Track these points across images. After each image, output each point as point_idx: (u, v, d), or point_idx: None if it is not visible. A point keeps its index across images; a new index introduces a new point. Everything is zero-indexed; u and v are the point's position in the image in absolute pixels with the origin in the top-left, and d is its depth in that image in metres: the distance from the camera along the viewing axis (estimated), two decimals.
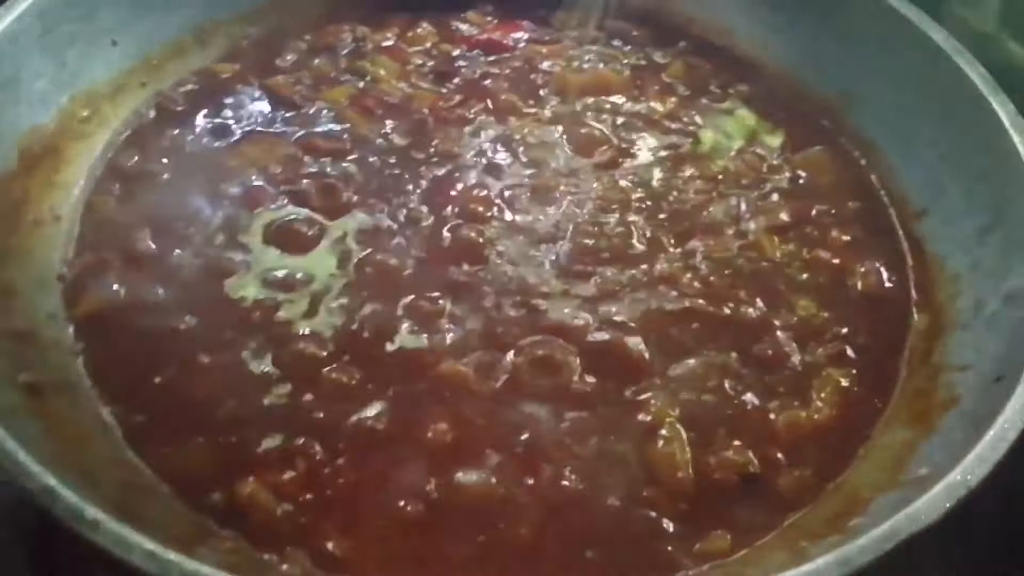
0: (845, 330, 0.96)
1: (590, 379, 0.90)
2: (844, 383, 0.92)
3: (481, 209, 1.03)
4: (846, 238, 1.04)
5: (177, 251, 0.98)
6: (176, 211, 1.02)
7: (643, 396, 0.88)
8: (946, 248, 1.00)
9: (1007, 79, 1.01)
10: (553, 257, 0.99)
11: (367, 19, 1.26)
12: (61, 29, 1.04)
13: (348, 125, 1.12)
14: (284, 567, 0.77)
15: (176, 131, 1.11)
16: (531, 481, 0.83)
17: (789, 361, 0.93)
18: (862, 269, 1.01)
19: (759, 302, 0.97)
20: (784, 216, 1.06)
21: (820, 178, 1.11)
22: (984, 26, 1.30)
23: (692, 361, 0.91)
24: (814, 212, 1.07)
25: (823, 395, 0.90)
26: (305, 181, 1.05)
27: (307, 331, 0.92)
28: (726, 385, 0.90)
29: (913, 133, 1.08)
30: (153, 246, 0.98)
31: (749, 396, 0.90)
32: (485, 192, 1.05)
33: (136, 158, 1.07)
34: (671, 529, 0.81)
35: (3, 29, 0.98)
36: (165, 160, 1.07)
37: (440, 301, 0.94)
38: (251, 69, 1.19)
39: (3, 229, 0.94)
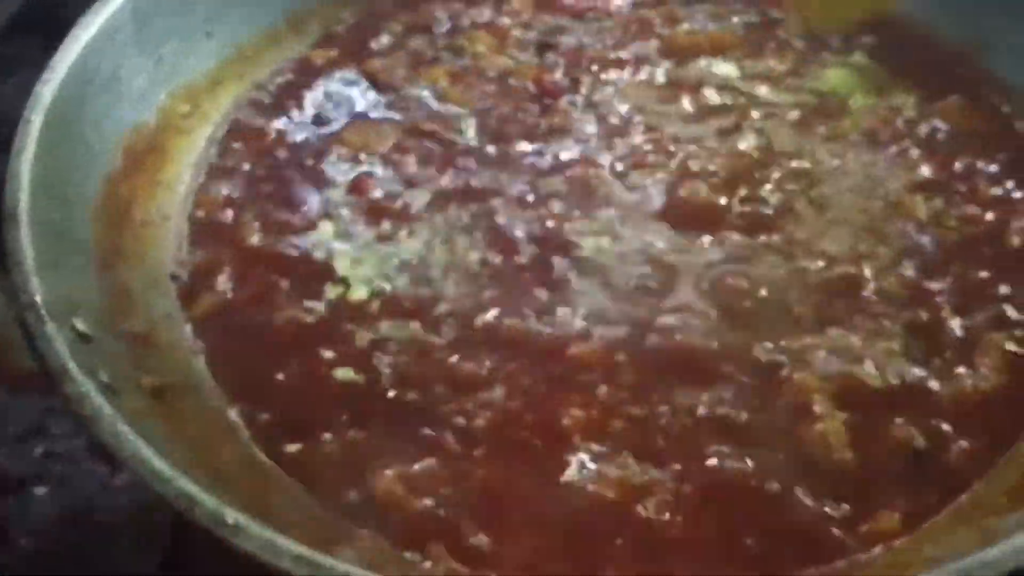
0: (1004, 290, 0.89)
1: (729, 357, 0.84)
2: (1009, 347, 0.84)
3: (598, 181, 0.98)
4: (996, 192, 0.96)
5: (287, 243, 0.95)
6: (284, 203, 0.99)
7: (790, 372, 0.82)
8: None
9: None
10: (677, 229, 0.94)
11: None
12: (155, 24, 1.02)
13: (451, 104, 1.08)
14: (427, 564, 0.73)
15: (277, 121, 1.07)
16: (679, 467, 0.77)
17: (947, 326, 0.86)
18: (1017, 224, 0.93)
19: (907, 265, 0.90)
20: (926, 172, 0.98)
21: (961, 130, 1.03)
22: None
23: (841, 332, 0.85)
24: (958, 166, 0.99)
25: (987, 361, 0.83)
26: (413, 164, 1.01)
27: (427, 319, 0.88)
28: (881, 355, 0.84)
29: None
30: (264, 240, 0.95)
31: (907, 366, 0.83)
32: (602, 165, 1.00)
33: (239, 152, 1.04)
34: (834, 512, 0.75)
35: (99, 27, 0.95)
36: (268, 152, 1.04)
37: (561, 278, 0.90)
38: (348, 54, 1.14)
39: (113, 230, 0.91)
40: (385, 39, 1.17)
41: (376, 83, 1.11)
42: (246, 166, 1.03)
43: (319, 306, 0.90)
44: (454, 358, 0.84)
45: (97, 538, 0.87)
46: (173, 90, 1.04)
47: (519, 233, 0.94)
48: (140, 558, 0.85)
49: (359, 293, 0.90)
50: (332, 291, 0.91)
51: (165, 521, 0.84)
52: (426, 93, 1.10)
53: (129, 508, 0.87)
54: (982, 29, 1.08)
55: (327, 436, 0.80)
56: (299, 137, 1.06)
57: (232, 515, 0.62)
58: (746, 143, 1.02)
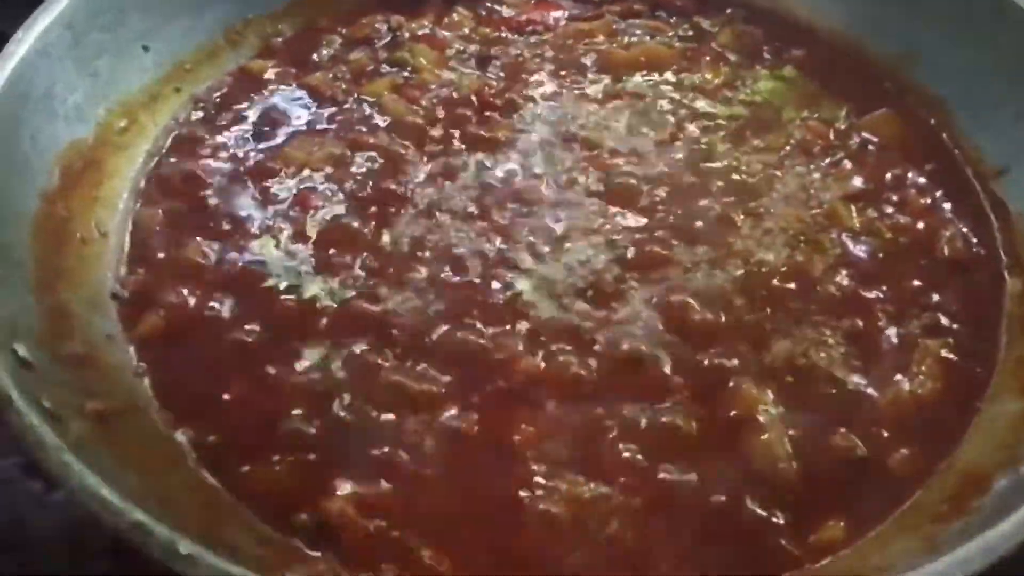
0: (936, 298, 0.92)
1: (675, 369, 0.85)
2: (944, 354, 0.87)
3: (537, 196, 0.99)
4: (925, 201, 1.00)
5: (229, 259, 0.94)
6: (225, 218, 0.98)
7: (735, 383, 0.84)
8: None
9: None
10: (619, 240, 0.95)
11: (401, 7, 1.22)
12: (91, 39, 1.01)
13: (393, 118, 1.08)
14: None
15: (216, 136, 1.06)
16: (626, 481, 0.79)
17: (883, 335, 0.88)
18: (947, 233, 0.97)
19: (843, 274, 0.93)
20: (858, 183, 1.01)
21: (890, 141, 1.06)
22: None
23: (783, 342, 0.87)
24: (889, 177, 1.02)
25: (924, 368, 0.86)
26: (355, 178, 1.01)
27: (374, 335, 0.87)
28: (821, 365, 0.86)
29: (983, 89, 1.04)
30: (206, 256, 0.94)
31: (846, 374, 0.85)
32: (541, 178, 1.01)
33: (178, 166, 1.03)
34: (781, 523, 0.77)
35: (33, 43, 0.94)
36: (208, 167, 1.03)
37: (507, 293, 0.90)
38: (288, 67, 1.14)
39: (51, 249, 0.89)
40: (325, 52, 1.17)
41: (317, 96, 1.11)
42: (185, 181, 1.02)
43: (265, 324, 0.89)
44: (404, 376, 0.84)
45: (33, 556, 0.85)
46: (110, 105, 1.02)
47: (464, 249, 0.94)
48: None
49: (305, 310, 0.90)
50: (277, 308, 0.90)
51: (103, 536, 0.82)
52: (368, 106, 1.10)
53: (64, 526, 0.86)
54: (910, 43, 1.12)
55: (276, 457, 0.80)
56: (240, 151, 1.05)
57: (186, 546, 0.61)
58: (683, 155, 1.03)
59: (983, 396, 0.85)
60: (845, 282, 0.92)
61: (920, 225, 0.97)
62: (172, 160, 1.04)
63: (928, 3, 1.09)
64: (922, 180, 1.02)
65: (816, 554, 0.75)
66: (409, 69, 1.14)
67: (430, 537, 0.75)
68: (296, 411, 0.82)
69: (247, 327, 0.88)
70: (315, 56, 1.16)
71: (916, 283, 0.93)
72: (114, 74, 1.03)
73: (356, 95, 1.10)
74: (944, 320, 0.90)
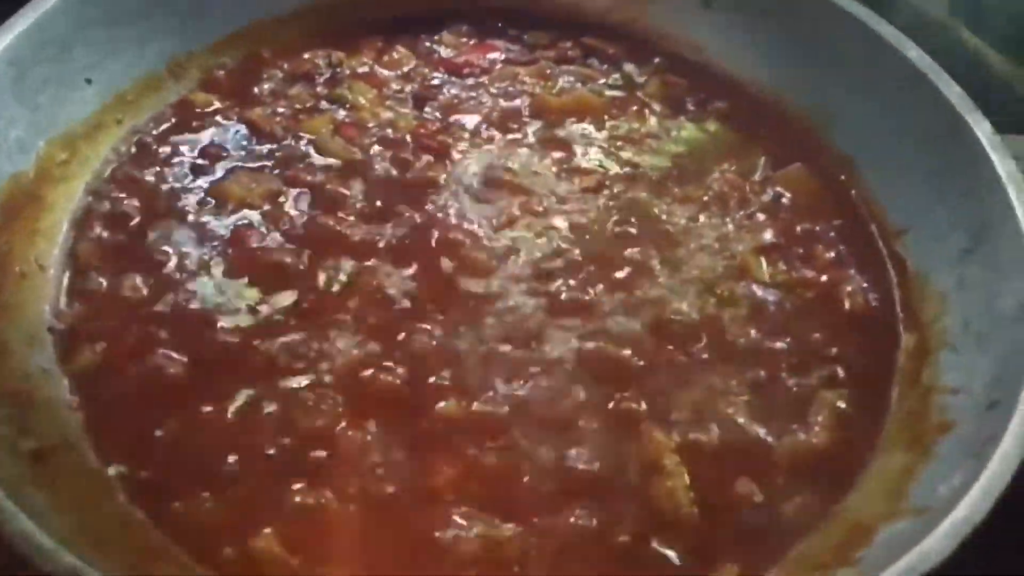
0: (835, 351, 0.97)
1: (587, 413, 0.90)
2: (840, 405, 0.93)
3: (469, 239, 1.03)
4: (831, 255, 1.06)
5: (167, 295, 0.97)
6: (162, 253, 1.00)
7: (645, 428, 0.89)
8: (930, 266, 1.02)
9: (957, 65, 1.05)
10: (543, 286, 1.00)
11: (341, 43, 1.25)
12: (34, 72, 1.02)
13: (331, 156, 1.11)
14: None
15: (156, 169, 1.09)
16: (537, 522, 0.83)
17: (784, 386, 0.94)
18: (848, 288, 1.03)
19: (751, 325, 0.98)
20: (769, 235, 1.07)
21: (801, 196, 1.12)
22: (935, 13, 1.35)
23: (692, 390, 0.93)
24: (798, 230, 1.08)
25: (820, 419, 0.92)
26: (291, 215, 1.04)
27: (306, 374, 0.91)
28: (725, 413, 0.91)
29: (891, 151, 1.09)
30: (142, 291, 0.97)
31: (747, 422, 0.91)
32: (472, 222, 1.05)
33: (117, 200, 1.05)
34: (679, 563, 0.82)
35: None
36: (147, 200, 1.05)
37: (435, 336, 0.94)
38: (229, 101, 1.17)
39: None
40: (266, 86, 1.20)
41: (257, 131, 1.14)
42: (125, 215, 1.04)
43: (199, 360, 0.92)
44: (330, 414, 0.88)
45: None
46: (51, 138, 1.04)
47: (393, 290, 0.98)
48: None
49: (239, 347, 0.93)
50: (212, 345, 0.93)
51: None
52: (306, 143, 1.13)
53: None
54: (825, 101, 1.18)
55: (206, 494, 0.83)
56: (179, 186, 1.07)
57: None
58: (608, 202, 1.09)
59: (873, 448, 0.90)
60: (752, 332, 0.98)
61: (824, 278, 1.03)
62: (112, 193, 1.06)
63: (840, 64, 1.15)
64: (831, 235, 1.08)
65: None
66: (348, 106, 1.17)
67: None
68: (226, 448, 0.86)
69: (181, 363, 0.91)
70: (256, 90, 1.19)
71: (817, 335, 0.98)
72: (56, 107, 1.05)
73: (295, 131, 1.14)
74: (841, 373, 0.95)
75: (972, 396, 0.87)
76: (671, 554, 0.82)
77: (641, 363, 0.94)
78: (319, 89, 1.20)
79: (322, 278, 0.99)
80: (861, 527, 0.82)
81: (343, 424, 0.88)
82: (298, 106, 1.17)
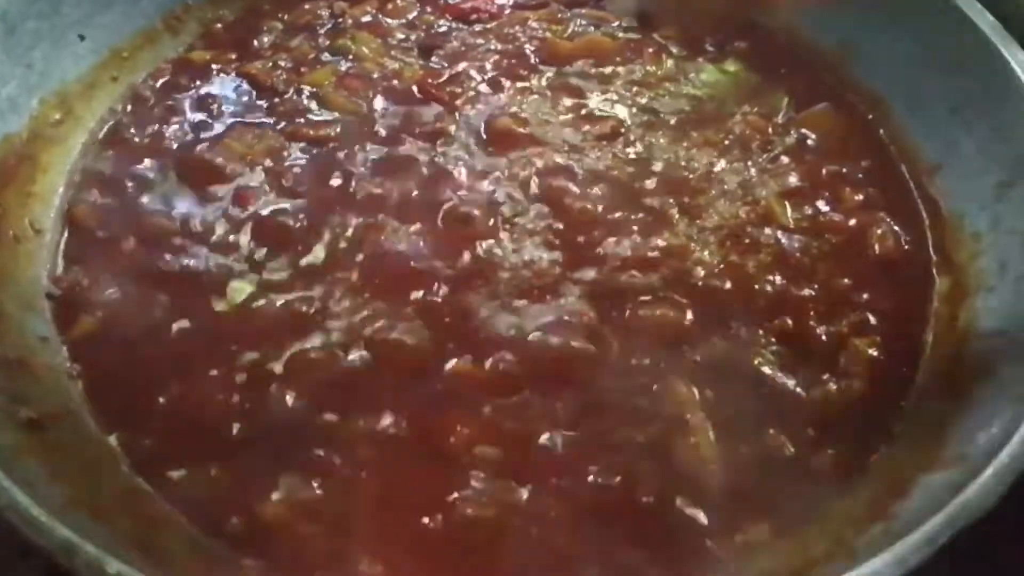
0: (866, 296, 0.93)
1: (607, 368, 0.86)
2: (871, 353, 0.88)
3: (478, 193, 0.99)
4: (859, 198, 1.01)
5: (167, 257, 0.93)
6: (161, 215, 0.97)
7: (667, 383, 0.85)
8: (963, 205, 0.97)
9: (1017, 29, 0.98)
10: (557, 239, 0.95)
11: None
12: (25, 28, 0.99)
13: (334, 109, 1.07)
14: None
15: (154, 127, 1.06)
16: (556, 482, 0.80)
17: (813, 333, 0.90)
18: (878, 231, 0.98)
19: (776, 273, 0.94)
20: (794, 179, 1.02)
21: (828, 137, 1.07)
22: None
23: (716, 340, 0.88)
24: (824, 173, 1.03)
25: (851, 368, 0.87)
26: (295, 172, 1.00)
27: (313, 336, 0.87)
28: (751, 364, 0.87)
29: (921, 86, 1.04)
30: (142, 254, 0.94)
31: (775, 373, 0.87)
32: (482, 174, 1.01)
33: (114, 160, 1.02)
34: (708, 523, 0.78)
35: None
36: (145, 160, 1.02)
37: (445, 294, 0.91)
38: (227, 55, 1.13)
39: None
40: (266, 39, 1.16)
41: (257, 86, 1.10)
42: (122, 175, 1.01)
43: (201, 325, 0.89)
44: (339, 377, 0.85)
45: None
46: (44, 96, 1.01)
47: (402, 246, 0.94)
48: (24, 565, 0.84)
49: (242, 310, 0.90)
50: (214, 308, 0.90)
51: None
52: (309, 96, 1.09)
53: None
54: (849, 36, 1.12)
55: (211, 461, 0.80)
56: (177, 143, 1.04)
57: (114, 565, 0.62)
58: (624, 150, 1.04)
59: (908, 397, 0.86)
60: (778, 280, 0.93)
61: (853, 222, 0.98)
62: (108, 153, 1.03)
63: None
64: (859, 176, 1.03)
65: (740, 555, 0.77)
66: (351, 58, 1.13)
67: (364, 545, 0.75)
68: (231, 414, 0.82)
69: (183, 327, 0.88)
70: (255, 43, 1.15)
71: (847, 281, 0.93)
72: (49, 64, 1.02)
73: (297, 85, 1.09)
74: (872, 319, 0.91)
75: (1010, 339, 0.83)
76: (698, 514, 0.79)
77: (664, 314, 0.90)
78: (321, 40, 1.16)
79: (327, 236, 0.95)
80: (897, 479, 0.78)
81: (353, 386, 0.84)
82: (299, 59, 1.13)
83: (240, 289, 0.91)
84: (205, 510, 0.78)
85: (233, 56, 1.13)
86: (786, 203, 1.00)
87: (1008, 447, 0.70)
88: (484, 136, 1.05)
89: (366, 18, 1.18)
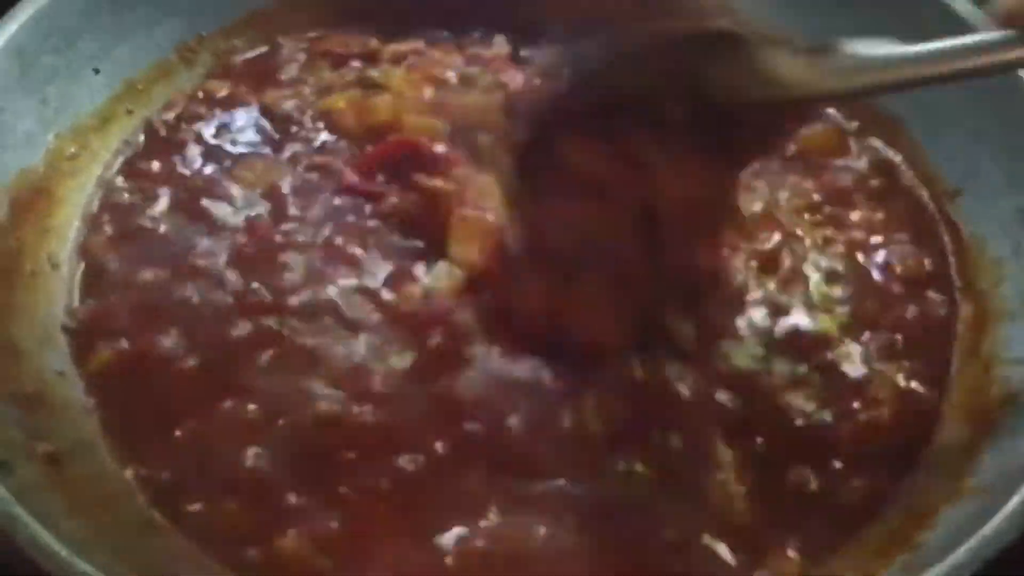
0: (891, 320, 0.92)
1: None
2: (899, 378, 0.87)
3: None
4: (880, 216, 1.00)
5: (182, 289, 0.92)
6: (176, 246, 0.96)
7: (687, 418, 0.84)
8: (986, 230, 0.96)
9: None
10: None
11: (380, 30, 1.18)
12: (40, 63, 0.99)
13: (350, 140, 1.06)
14: None
15: (168, 159, 1.05)
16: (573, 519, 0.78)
17: (835, 356, 0.89)
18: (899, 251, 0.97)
19: (795, 290, 0.93)
20: (816, 197, 1.01)
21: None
22: None
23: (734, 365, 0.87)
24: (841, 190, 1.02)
25: (879, 395, 0.86)
26: (308, 203, 1.00)
27: (327, 374, 0.86)
28: (778, 396, 0.86)
29: (939, 108, 1.03)
30: (157, 286, 0.93)
31: (803, 403, 0.85)
32: None
33: (129, 192, 1.02)
34: (732, 560, 0.77)
35: None
36: (160, 192, 1.01)
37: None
38: (244, 86, 1.13)
39: (1, 285, 0.89)
40: (284, 71, 1.15)
41: (273, 115, 1.09)
42: (137, 207, 1.00)
43: (218, 357, 0.88)
44: (362, 415, 0.84)
45: None
46: (60, 131, 1.01)
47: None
48: None
49: (259, 341, 0.89)
50: (231, 340, 0.89)
51: None
52: (324, 127, 1.08)
53: None
54: None
55: (229, 494, 0.79)
56: (191, 175, 1.03)
57: None
58: None
59: (934, 425, 0.85)
60: (800, 298, 0.92)
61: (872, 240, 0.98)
62: (123, 186, 1.02)
63: (882, 16, 1.07)
64: (876, 196, 1.03)
65: None
66: (375, 87, 1.11)
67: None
68: (247, 446, 0.82)
69: (199, 358, 0.87)
70: (272, 75, 1.14)
71: (869, 304, 0.93)
72: (64, 99, 1.02)
73: (313, 115, 1.09)
74: (899, 342, 0.90)
75: None
76: (721, 549, 0.77)
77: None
78: (347, 74, 1.14)
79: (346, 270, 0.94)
80: (922, 510, 0.77)
81: (362, 419, 0.83)
82: (316, 89, 1.12)
83: (256, 320, 0.90)
84: (223, 543, 0.77)
85: (248, 87, 1.13)
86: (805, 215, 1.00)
87: None
88: None
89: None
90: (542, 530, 0.77)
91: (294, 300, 0.92)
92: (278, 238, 0.97)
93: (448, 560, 0.76)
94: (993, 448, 0.78)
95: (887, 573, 0.71)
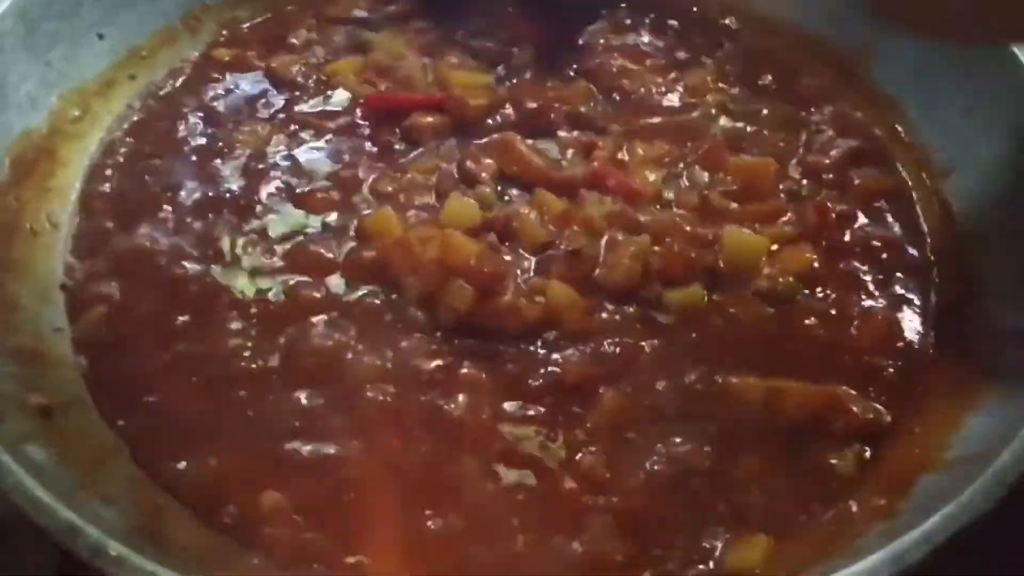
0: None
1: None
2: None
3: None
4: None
5: (178, 250, 0.94)
6: (174, 208, 0.98)
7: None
8: (975, 208, 0.96)
9: None
10: None
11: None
12: (44, 28, 1.01)
13: (351, 102, 1.08)
14: None
15: (171, 123, 1.07)
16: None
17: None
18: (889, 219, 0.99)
19: None
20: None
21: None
22: None
23: None
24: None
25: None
26: (309, 164, 1.02)
27: (318, 322, 0.88)
28: None
29: (933, 86, 1.04)
30: (155, 246, 0.94)
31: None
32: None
33: (131, 155, 1.03)
34: None
35: None
36: (161, 154, 1.03)
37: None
38: (247, 52, 1.14)
39: (2, 242, 0.91)
40: (290, 37, 1.17)
41: (277, 80, 1.11)
42: (138, 170, 1.02)
43: (209, 315, 0.89)
44: (344, 363, 0.85)
45: None
46: (64, 93, 1.02)
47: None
48: (36, 558, 0.85)
49: (250, 301, 0.90)
50: (222, 300, 0.90)
51: None
52: (328, 88, 1.10)
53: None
54: (865, 38, 1.12)
55: (211, 452, 0.80)
56: (194, 138, 1.05)
57: (115, 547, 0.63)
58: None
59: (914, 398, 0.86)
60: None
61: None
62: (124, 149, 1.04)
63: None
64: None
65: None
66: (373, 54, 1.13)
67: (362, 538, 0.75)
68: (234, 406, 0.83)
69: (189, 317, 0.89)
70: (277, 42, 1.16)
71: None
72: (68, 62, 1.03)
73: (317, 79, 1.11)
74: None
75: (1020, 344, 0.83)
76: None
77: None
78: (346, 37, 1.16)
79: (337, 233, 0.96)
80: (900, 479, 0.77)
81: (352, 374, 0.85)
82: (321, 55, 1.14)
83: (248, 280, 0.92)
84: (205, 499, 0.78)
85: (255, 53, 1.14)
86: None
87: (1009, 448, 0.69)
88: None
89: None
90: None
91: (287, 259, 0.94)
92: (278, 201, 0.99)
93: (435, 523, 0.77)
94: (972, 421, 0.79)
95: (864, 539, 0.71)
